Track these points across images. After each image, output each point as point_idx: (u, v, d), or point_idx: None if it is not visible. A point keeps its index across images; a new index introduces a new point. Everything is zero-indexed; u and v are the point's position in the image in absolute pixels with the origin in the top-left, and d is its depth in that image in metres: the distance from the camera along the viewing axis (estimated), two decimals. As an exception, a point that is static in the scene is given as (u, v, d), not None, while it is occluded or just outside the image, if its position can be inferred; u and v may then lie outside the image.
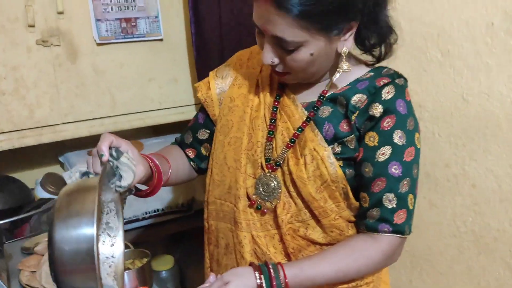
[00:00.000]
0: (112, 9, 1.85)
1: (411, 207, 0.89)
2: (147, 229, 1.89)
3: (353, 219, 0.94)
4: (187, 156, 1.12)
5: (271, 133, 0.95)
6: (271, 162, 0.94)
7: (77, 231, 0.68)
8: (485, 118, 1.04)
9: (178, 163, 1.07)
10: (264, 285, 0.84)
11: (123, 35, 1.89)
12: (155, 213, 1.91)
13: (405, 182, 0.87)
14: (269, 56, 0.87)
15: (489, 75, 1.01)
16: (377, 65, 0.96)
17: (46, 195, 1.91)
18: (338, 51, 0.88)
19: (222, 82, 1.05)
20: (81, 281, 0.69)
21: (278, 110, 0.96)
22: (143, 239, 1.83)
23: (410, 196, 0.89)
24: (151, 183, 0.93)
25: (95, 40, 1.85)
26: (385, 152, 0.87)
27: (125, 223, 1.82)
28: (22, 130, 1.76)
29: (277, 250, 0.94)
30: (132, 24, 1.91)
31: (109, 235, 0.84)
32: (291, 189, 0.92)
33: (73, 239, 0.68)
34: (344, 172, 0.90)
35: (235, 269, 0.89)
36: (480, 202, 1.08)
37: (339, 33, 0.85)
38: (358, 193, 0.92)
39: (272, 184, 0.93)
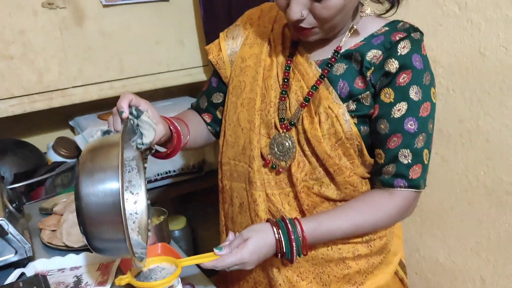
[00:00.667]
0: (117, -31, 1.82)
1: (426, 162, 0.90)
2: (159, 190, 1.92)
3: (367, 175, 0.95)
4: (204, 120, 1.12)
5: (285, 92, 0.95)
6: (285, 122, 0.94)
7: (103, 185, 0.69)
8: (502, 72, 1.03)
9: (196, 128, 1.07)
10: (282, 239, 0.87)
11: (129, -4, 1.87)
12: (166, 175, 1.93)
13: (421, 138, 0.88)
14: (299, 9, 0.82)
15: (509, 28, 1.00)
16: (392, 19, 0.94)
17: (58, 158, 1.93)
18: None
19: (233, 43, 1.04)
20: (108, 233, 0.70)
21: (291, 68, 0.95)
22: (156, 199, 1.86)
23: (425, 151, 0.89)
24: (170, 144, 0.94)
25: (101, 2, 1.82)
26: (401, 108, 0.87)
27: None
28: (32, 94, 1.76)
29: (292, 207, 0.96)
30: None
31: (132, 193, 0.86)
32: (306, 148, 0.92)
33: (99, 193, 0.69)
34: (359, 129, 0.90)
35: (253, 225, 0.91)
36: (493, 156, 1.09)
37: None
38: (373, 150, 0.93)
39: (287, 144, 0.93)
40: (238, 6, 1.70)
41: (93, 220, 0.70)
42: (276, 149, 0.95)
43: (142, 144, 0.83)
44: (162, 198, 1.93)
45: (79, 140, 1.88)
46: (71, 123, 2.04)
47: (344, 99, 0.90)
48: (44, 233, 1.24)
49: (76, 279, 1.05)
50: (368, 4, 0.88)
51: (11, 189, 1.73)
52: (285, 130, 0.94)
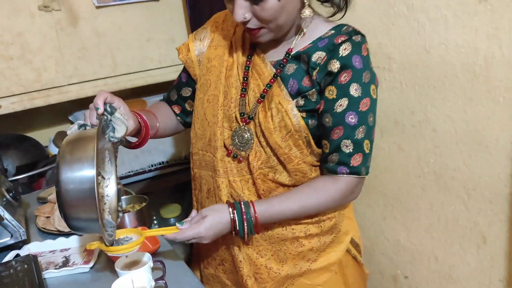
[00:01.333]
0: (108, -28, 1.93)
1: (367, 151, 1.00)
2: (153, 180, 2.04)
3: (316, 163, 1.06)
4: (174, 112, 1.24)
5: (244, 89, 1.05)
6: (245, 116, 1.05)
7: (80, 174, 0.81)
8: (444, 68, 1.12)
9: (165, 118, 1.19)
10: (236, 219, 0.99)
11: (120, -3, 1.97)
12: (160, 165, 2.05)
13: (361, 130, 0.98)
14: (241, 13, 0.92)
15: (447, 27, 1.09)
16: (339, 22, 1.04)
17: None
18: None
19: (201, 44, 1.15)
20: (84, 213, 0.83)
21: (250, 68, 1.06)
22: (150, 189, 1.99)
23: (366, 141, 1.00)
24: (139, 136, 1.06)
25: (94, 3, 1.94)
26: (342, 103, 0.97)
27: (134, 175, 1.99)
28: (31, 92, 1.90)
29: (251, 192, 1.07)
30: None
31: (103, 178, 0.98)
32: (261, 139, 1.03)
33: (77, 180, 0.81)
34: (307, 123, 1.01)
35: (213, 205, 1.04)
36: (440, 145, 1.19)
37: None
38: (320, 141, 1.04)
39: (246, 136, 1.04)
40: (220, 5, 1.80)
41: (71, 204, 0.82)
42: (237, 140, 1.06)
43: (114, 137, 0.95)
44: (157, 188, 2.06)
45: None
46: (70, 118, 2.17)
47: (293, 96, 1.01)
48: (39, 219, 1.38)
49: (64, 259, 1.18)
50: (310, 4, 0.98)
51: (12, 180, 1.88)
52: (244, 123, 1.05)
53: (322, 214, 1.08)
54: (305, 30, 1.02)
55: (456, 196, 1.18)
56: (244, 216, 0.99)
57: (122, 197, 1.33)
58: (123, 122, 0.96)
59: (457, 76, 1.10)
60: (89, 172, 0.81)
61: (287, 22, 0.98)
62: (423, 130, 1.22)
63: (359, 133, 0.98)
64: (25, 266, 1.05)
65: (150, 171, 2.05)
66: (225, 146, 1.07)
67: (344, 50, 0.97)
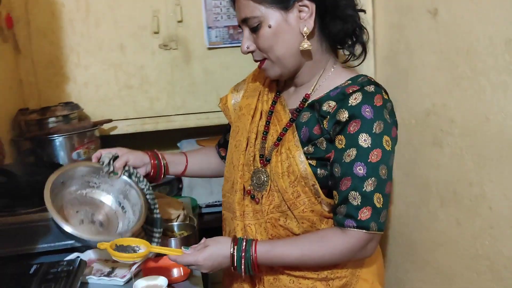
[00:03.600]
0: (221, 17, 2.13)
1: (378, 206, 0.95)
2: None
3: (327, 214, 1.03)
4: (220, 154, 1.32)
5: (265, 133, 1.11)
6: (263, 158, 1.09)
7: None
8: (502, 139, 0.98)
9: (204, 160, 1.32)
10: (235, 254, 1.00)
11: (230, 41, 2.16)
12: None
13: (370, 182, 0.94)
14: (245, 44, 1.03)
15: (506, 94, 0.96)
16: (360, 73, 1.05)
17: (162, 173, 2.29)
18: (300, 31, 0.99)
19: (237, 95, 1.25)
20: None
21: (272, 114, 1.11)
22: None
23: (377, 195, 0.95)
24: (154, 173, 1.25)
25: (206, 45, 2.15)
26: (351, 153, 0.95)
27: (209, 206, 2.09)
28: (143, 118, 2.17)
29: (263, 237, 1.08)
30: (239, 31, 2.15)
31: (123, 208, 1.21)
32: (274, 183, 1.05)
33: None
34: (315, 172, 1.00)
35: (218, 237, 1.07)
36: (495, 225, 1.02)
37: (289, 6, 0.98)
38: (332, 192, 1.01)
39: (263, 178, 1.07)
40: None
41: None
42: (255, 181, 1.09)
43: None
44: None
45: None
46: (178, 144, 2.40)
47: (304, 143, 1.02)
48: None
49: (110, 269, 1.31)
50: (334, 66, 1.02)
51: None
52: (262, 165, 1.08)
53: (330, 271, 1.03)
54: (323, 80, 1.05)
55: (508, 289, 1.00)
56: (243, 254, 1.00)
57: (176, 223, 1.44)
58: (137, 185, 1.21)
59: (516, 151, 0.96)
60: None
61: (286, 54, 1.02)
62: (480, 206, 1.07)
63: (368, 186, 0.94)
64: (70, 268, 1.20)
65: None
66: (244, 188, 1.11)
67: (354, 99, 0.97)
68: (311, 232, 1.03)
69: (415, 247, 1.33)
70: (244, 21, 1.02)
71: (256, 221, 1.08)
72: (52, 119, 1.87)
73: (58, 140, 1.83)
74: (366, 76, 1.04)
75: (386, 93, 1.02)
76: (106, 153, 1.19)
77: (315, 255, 1.00)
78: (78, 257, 1.35)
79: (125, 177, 1.19)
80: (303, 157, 1.00)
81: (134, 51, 2.11)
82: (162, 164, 1.25)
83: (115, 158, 1.19)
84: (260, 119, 1.13)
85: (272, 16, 0.98)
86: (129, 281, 1.23)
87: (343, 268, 1.04)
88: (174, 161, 1.27)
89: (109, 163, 1.17)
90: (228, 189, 1.16)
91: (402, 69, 1.36)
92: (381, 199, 0.96)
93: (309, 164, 1.00)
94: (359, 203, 0.95)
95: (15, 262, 1.33)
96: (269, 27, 0.99)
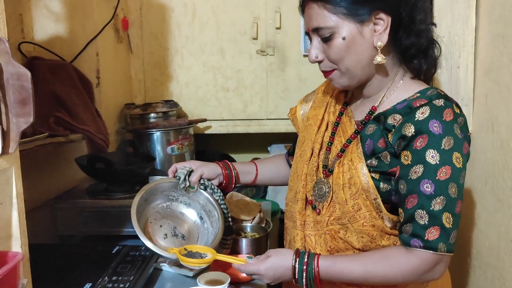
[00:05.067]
0: (320, 25, 2.12)
1: (448, 226, 0.90)
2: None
3: (389, 230, 0.99)
4: (289, 162, 1.34)
5: (330, 143, 1.10)
6: (326, 168, 1.08)
7: None
8: None
9: (273, 168, 1.34)
10: (297, 267, 1.00)
11: (326, 49, 2.14)
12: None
13: (438, 200, 0.90)
14: (314, 53, 1.01)
15: None
16: (429, 85, 1.01)
17: (250, 174, 2.35)
18: (374, 44, 0.96)
19: (306, 105, 1.26)
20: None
21: (338, 125, 1.11)
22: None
23: (446, 214, 0.90)
24: (225, 183, 1.30)
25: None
26: (417, 170, 0.92)
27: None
28: (236, 120, 2.25)
29: (322, 248, 1.06)
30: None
31: (202, 219, 1.28)
32: (335, 194, 1.03)
33: None
34: (377, 185, 0.97)
35: (280, 248, 1.08)
36: None
37: (366, 19, 0.96)
38: (397, 208, 0.98)
39: (324, 188, 1.06)
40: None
41: None
42: (317, 191, 1.09)
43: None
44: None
45: (262, 162, 2.26)
46: (269, 148, 2.44)
47: (368, 156, 1.00)
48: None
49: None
50: (403, 78, 1.00)
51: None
52: (324, 176, 1.08)
53: None
54: (392, 92, 1.03)
55: None
56: (305, 267, 0.99)
57: (249, 224, 1.47)
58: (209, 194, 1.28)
59: None
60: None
61: (357, 66, 1.00)
62: None
63: (436, 204, 0.90)
64: (147, 253, 1.29)
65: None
66: (306, 197, 1.11)
67: (421, 114, 0.94)
68: (373, 250, 1.00)
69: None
70: (315, 30, 1.00)
71: (316, 232, 1.07)
72: (152, 115, 2.03)
73: (156, 134, 1.97)
74: (436, 89, 0.99)
75: (458, 107, 0.96)
76: (181, 169, 1.25)
77: (377, 273, 0.96)
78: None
79: (201, 190, 1.26)
80: (365, 170, 0.98)
81: (233, 55, 2.21)
82: (233, 174, 1.30)
83: (189, 172, 1.25)
84: (326, 130, 1.13)
85: (346, 27, 0.96)
86: (197, 274, 1.29)
87: None
88: (244, 171, 1.32)
89: (185, 178, 1.24)
90: (291, 198, 1.17)
91: (504, 85, 1.25)
92: (451, 218, 0.90)
93: (372, 177, 0.98)
94: (426, 222, 0.91)
95: (104, 241, 1.47)
96: (343, 39, 0.97)
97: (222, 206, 1.26)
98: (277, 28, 2.16)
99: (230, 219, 1.29)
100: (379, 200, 0.98)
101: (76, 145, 1.67)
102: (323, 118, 1.15)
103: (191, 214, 1.30)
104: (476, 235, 1.41)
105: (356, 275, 0.98)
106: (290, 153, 1.36)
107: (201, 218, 1.29)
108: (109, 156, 1.62)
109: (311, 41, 1.04)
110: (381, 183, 0.98)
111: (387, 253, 0.97)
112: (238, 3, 2.15)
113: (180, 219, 1.29)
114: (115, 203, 1.49)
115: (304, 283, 1.00)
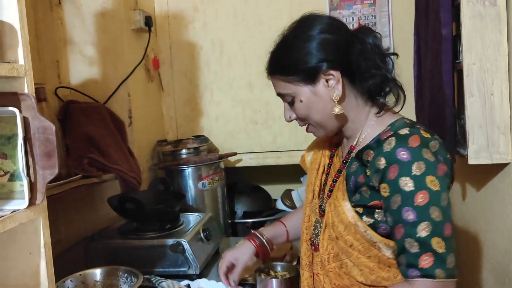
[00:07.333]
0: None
1: (440, 251, 0.89)
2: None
3: (386, 259, 0.99)
4: None
5: (325, 184, 1.15)
6: (321, 209, 1.12)
7: None
8: None
9: (299, 221, 1.31)
10: None
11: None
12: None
13: (424, 226, 0.90)
14: (287, 114, 1.10)
15: None
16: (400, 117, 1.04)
17: (282, 207, 2.34)
18: (331, 97, 1.01)
19: (312, 151, 1.30)
20: None
21: (330, 167, 1.16)
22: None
23: (436, 239, 0.89)
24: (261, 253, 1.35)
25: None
26: (396, 200, 0.93)
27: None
28: (265, 152, 2.25)
29: (330, 286, 1.07)
30: None
31: None
32: (329, 232, 1.06)
33: None
34: (361, 219, 0.99)
35: None
36: None
37: (316, 80, 1.01)
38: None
39: (318, 227, 1.11)
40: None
41: None
42: (315, 231, 1.13)
43: None
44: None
45: (294, 194, 2.25)
46: (301, 179, 2.42)
47: (352, 192, 1.02)
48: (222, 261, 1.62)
49: (214, 300, 1.37)
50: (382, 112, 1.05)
51: (238, 223, 2.24)
52: (320, 216, 1.12)
53: None
54: (367, 130, 1.05)
55: None
56: None
57: (280, 263, 1.44)
58: None
59: None
60: None
61: (324, 119, 1.05)
62: None
63: (422, 231, 0.90)
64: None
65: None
66: (309, 238, 1.15)
67: (388, 145, 0.96)
68: None
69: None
70: (279, 95, 1.10)
71: (324, 270, 1.09)
72: (184, 151, 2.06)
73: (187, 170, 2.00)
74: (403, 118, 1.04)
75: (428, 132, 0.97)
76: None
77: None
78: (188, 285, 1.45)
79: None
80: (349, 205, 1.01)
81: (261, 89, 2.22)
82: (265, 241, 1.35)
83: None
84: (323, 172, 1.18)
85: (301, 91, 1.03)
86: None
87: None
88: (275, 236, 1.36)
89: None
90: (299, 240, 1.22)
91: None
92: (442, 243, 0.89)
93: (356, 211, 1.00)
94: (418, 250, 0.90)
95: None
96: (301, 101, 1.04)
97: None
98: (304, 60, 2.17)
99: None
100: (370, 231, 0.98)
101: (109, 184, 1.71)
102: (320, 162, 1.20)
103: None
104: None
105: None
106: None
107: None
108: (139, 195, 1.64)
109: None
110: (364, 216, 0.99)
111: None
112: (264, 37, 2.17)
113: None
114: (144, 243, 1.50)
115: None
